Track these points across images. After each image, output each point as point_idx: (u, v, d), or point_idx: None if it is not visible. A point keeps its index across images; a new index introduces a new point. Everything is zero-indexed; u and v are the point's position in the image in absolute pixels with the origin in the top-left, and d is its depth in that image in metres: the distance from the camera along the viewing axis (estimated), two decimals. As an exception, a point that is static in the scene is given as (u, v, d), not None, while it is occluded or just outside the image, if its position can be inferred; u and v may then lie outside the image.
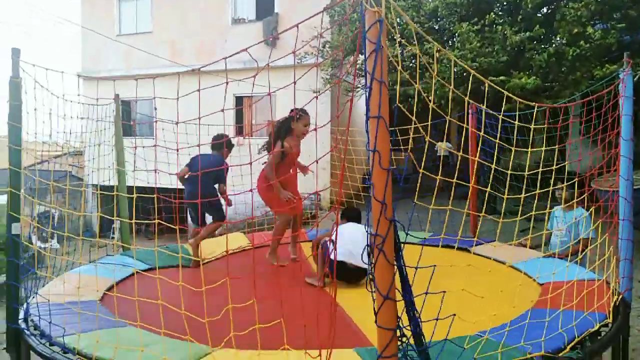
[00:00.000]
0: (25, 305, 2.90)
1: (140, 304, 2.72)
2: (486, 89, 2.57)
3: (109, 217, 3.02)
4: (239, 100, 13.72)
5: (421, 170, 2.02)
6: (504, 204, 2.58)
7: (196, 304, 2.34)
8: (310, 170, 4.67)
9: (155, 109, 3.01)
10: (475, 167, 5.12)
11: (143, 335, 2.32)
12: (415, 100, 2.62)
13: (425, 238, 4.61)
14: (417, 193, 2.05)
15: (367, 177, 1.85)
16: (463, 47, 7.61)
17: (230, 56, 2.29)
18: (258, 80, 2.36)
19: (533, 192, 2.83)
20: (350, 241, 3.72)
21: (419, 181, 2.26)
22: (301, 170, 4.86)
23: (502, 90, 2.52)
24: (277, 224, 4.76)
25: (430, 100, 2.16)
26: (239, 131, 13.44)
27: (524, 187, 2.95)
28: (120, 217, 5.02)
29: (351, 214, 4.33)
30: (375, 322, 1.85)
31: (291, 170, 4.74)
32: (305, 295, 3.54)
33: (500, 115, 2.63)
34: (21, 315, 2.83)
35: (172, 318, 2.34)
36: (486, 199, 3.08)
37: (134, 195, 2.48)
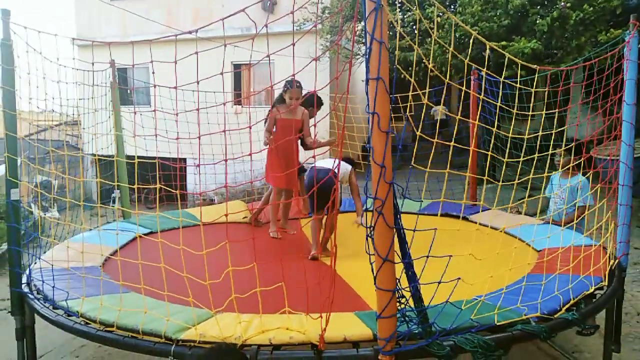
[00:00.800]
0: (28, 271, 2.94)
1: (142, 269, 2.75)
2: (487, 53, 2.53)
3: (110, 183, 3.01)
4: (237, 67, 13.51)
5: (419, 133, 1.99)
6: (503, 171, 2.56)
7: (197, 268, 2.36)
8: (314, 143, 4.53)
9: (153, 72, 2.94)
10: (474, 132, 5.09)
11: (146, 300, 2.35)
12: (414, 64, 2.56)
13: (422, 207, 4.64)
14: (414, 157, 2.03)
15: (367, 145, 1.83)
16: (464, 12, 7.43)
17: (228, 17, 2.23)
18: (256, 47, 2.30)
19: (531, 157, 2.82)
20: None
21: (415, 147, 2.24)
22: (307, 143, 4.71)
23: (505, 53, 2.47)
24: (267, 194, 4.79)
25: (430, 65, 2.12)
26: (237, 98, 13.31)
27: (522, 155, 2.93)
28: (120, 185, 5.02)
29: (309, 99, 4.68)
30: (375, 283, 1.88)
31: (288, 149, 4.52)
32: (306, 262, 3.58)
33: (501, 79, 2.59)
34: (24, 280, 2.86)
35: (174, 282, 2.37)
36: (487, 165, 3.07)
37: (135, 160, 2.46)
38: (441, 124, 12.24)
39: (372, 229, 1.85)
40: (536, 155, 2.73)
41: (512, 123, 2.70)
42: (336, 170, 4.13)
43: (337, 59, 12.05)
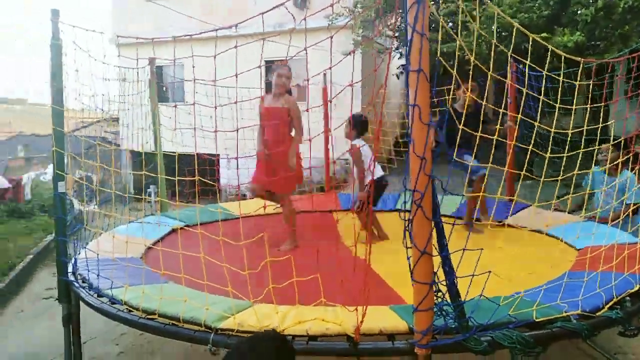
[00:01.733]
0: (73, 261, 3.06)
1: (181, 260, 2.83)
2: (530, 45, 2.46)
3: (152, 174, 3.10)
4: (268, 64, 13.58)
5: (461, 127, 1.97)
6: (545, 167, 2.50)
7: (235, 259, 2.41)
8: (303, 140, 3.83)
9: (193, 66, 3.01)
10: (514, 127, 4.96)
11: (186, 290, 2.42)
12: (456, 57, 2.52)
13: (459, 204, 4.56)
14: (455, 150, 2.01)
15: (406, 138, 1.81)
16: (502, 2, 7.23)
17: (266, 12, 2.25)
18: (288, 43, 2.31)
19: (575, 152, 2.73)
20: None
21: (457, 141, 2.21)
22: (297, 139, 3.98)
23: (548, 46, 2.40)
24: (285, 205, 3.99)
25: (473, 57, 2.09)
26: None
27: (566, 150, 2.84)
28: (158, 181, 5.16)
29: (358, 121, 4.22)
30: (411, 276, 1.87)
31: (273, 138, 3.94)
32: (339, 254, 3.59)
33: (544, 72, 2.53)
34: (69, 269, 2.98)
35: (213, 273, 2.43)
36: (527, 159, 3.00)
37: (176, 154, 2.53)
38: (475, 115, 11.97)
39: (410, 221, 1.84)
40: (581, 150, 2.64)
41: (555, 117, 2.63)
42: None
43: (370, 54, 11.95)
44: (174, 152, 3.03)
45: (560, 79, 2.52)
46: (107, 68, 3.43)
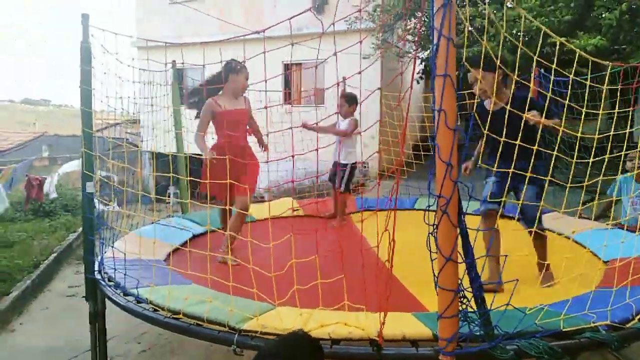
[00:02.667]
0: (99, 259, 3.12)
1: (205, 262, 2.84)
2: (552, 48, 2.43)
3: (176, 175, 3.15)
4: (286, 67, 13.67)
5: (486, 132, 1.96)
6: (572, 172, 2.45)
7: (257, 261, 2.42)
8: (266, 147, 3.70)
9: (225, 69, 3.06)
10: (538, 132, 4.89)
11: (210, 292, 2.45)
12: (481, 61, 2.50)
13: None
14: (480, 156, 1.99)
15: (419, 143, 1.81)
16: (520, 5, 7.12)
17: (294, 17, 2.27)
18: (307, 47, 2.33)
19: (600, 158, 2.68)
20: None
21: (482, 146, 2.19)
22: (258, 140, 3.91)
23: (576, 49, 2.37)
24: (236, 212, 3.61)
25: (498, 62, 2.08)
26: (288, 98, 13.49)
27: (592, 156, 2.79)
28: (180, 183, 5.23)
29: (354, 97, 5.08)
30: (436, 283, 1.86)
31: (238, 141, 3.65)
32: (361, 258, 3.58)
33: (571, 76, 2.49)
34: (95, 268, 3.04)
35: (236, 274, 2.46)
36: (551, 167, 2.95)
37: (211, 158, 2.56)
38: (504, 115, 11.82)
39: (435, 227, 1.83)
40: (607, 156, 2.60)
41: (582, 122, 2.58)
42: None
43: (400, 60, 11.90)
44: (197, 155, 3.09)
45: (588, 83, 2.47)
46: (132, 71, 3.51)
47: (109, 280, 2.83)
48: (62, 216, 9.96)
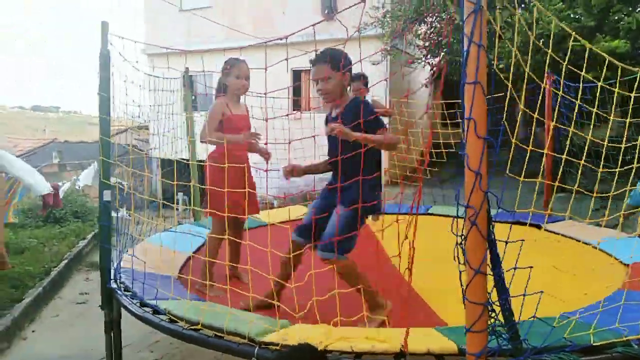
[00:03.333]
0: (114, 268, 3.10)
1: (219, 272, 2.81)
2: (587, 54, 2.39)
3: (181, 183, 3.12)
4: (296, 73, 13.70)
5: (515, 142, 1.91)
6: (598, 181, 2.40)
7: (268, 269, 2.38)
8: (269, 156, 3.21)
9: (246, 77, 2.98)
10: (550, 136, 4.84)
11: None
12: (512, 66, 2.45)
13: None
14: (508, 165, 1.95)
15: (460, 151, 1.76)
16: (544, 8, 7.04)
17: (317, 23, 2.25)
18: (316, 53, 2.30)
19: (627, 167, 2.62)
20: None
21: (512, 153, 2.13)
22: (260, 152, 3.29)
23: (603, 54, 2.32)
24: (210, 235, 3.31)
25: (527, 70, 2.03)
26: (295, 105, 13.49)
27: (602, 161, 2.73)
28: (189, 189, 5.21)
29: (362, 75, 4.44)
30: (464, 296, 1.81)
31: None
32: (379, 269, 3.53)
33: (599, 83, 2.44)
34: (113, 275, 3.01)
35: (256, 285, 2.42)
36: (560, 172, 2.90)
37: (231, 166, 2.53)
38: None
39: (463, 238, 1.78)
40: (619, 163, 2.54)
41: (609, 126, 2.53)
42: None
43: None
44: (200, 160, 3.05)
45: (616, 89, 2.42)
46: (144, 77, 3.51)
47: (126, 290, 2.80)
48: (72, 223, 10.00)
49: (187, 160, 5.36)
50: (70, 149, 19.53)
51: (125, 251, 3.40)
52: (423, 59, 11.34)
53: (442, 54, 11.35)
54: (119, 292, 2.79)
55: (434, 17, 10.01)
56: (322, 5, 13.52)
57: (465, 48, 1.72)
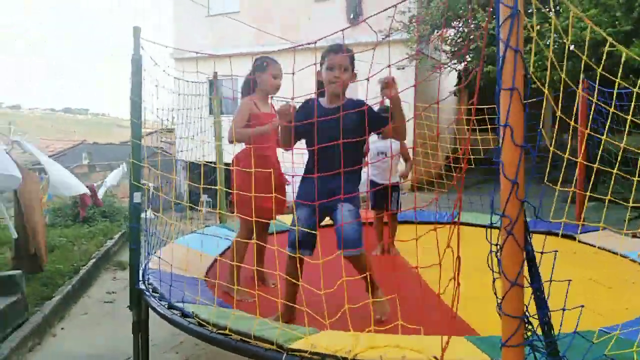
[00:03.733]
0: (143, 269, 3.14)
1: (247, 276, 2.80)
2: (622, 59, 2.31)
3: (206, 187, 3.13)
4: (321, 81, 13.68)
5: (552, 148, 1.85)
6: (635, 191, 2.31)
7: (305, 277, 2.37)
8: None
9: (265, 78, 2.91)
10: (583, 143, 4.69)
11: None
12: (549, 75, 2.39)
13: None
14: (546, 174, 1.89)
15: (494, 158, 1.71)
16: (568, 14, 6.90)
17: (348, 28, 2.23)
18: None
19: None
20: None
21: (550, 160, 2.07)
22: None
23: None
24: (236, 238, 3.22)
25: (562, 74, 1.97)
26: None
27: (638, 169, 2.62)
28: (217, 192, 5.25)
29: None
30: (499, 308, 1.76)
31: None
32: (404, 276, 3.47)
33: (636, 89, 2.35)
34: (141, 277, 3.05)
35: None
36: (592, 180, 2.79)
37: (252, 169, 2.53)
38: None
39: (499, 248, 1.73)
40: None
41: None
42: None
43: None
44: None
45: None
46: (173, 81, 3.56)
47: (154, 292, 2.83)
48: (100, 222, 10.22)
49: (214, 163, 5.42)
50: (98, 150, 20.04)
51: (153, 252, 3.44)
52: (450, 63, 11.22)
53: (469, 59, 11.23)
54: (147, 293, 2.82)
55: (461, 22, 9.90)
56: (348, 11, 13.53)
57: (501, 54, 1.68)
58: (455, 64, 11.39)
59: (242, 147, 3.28)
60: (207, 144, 5.31)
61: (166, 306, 2.63)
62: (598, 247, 3.28)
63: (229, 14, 15.56)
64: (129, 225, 2.94)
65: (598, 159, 2.99)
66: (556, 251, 1.82)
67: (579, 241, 3.86)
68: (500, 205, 1.73)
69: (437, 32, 10.40)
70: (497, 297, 1.82)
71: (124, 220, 10.34)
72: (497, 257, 1.77)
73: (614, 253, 3.30)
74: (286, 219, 5.08)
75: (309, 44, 2.40)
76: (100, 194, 10.08)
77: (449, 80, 13.73)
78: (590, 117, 4.39)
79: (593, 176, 2.54)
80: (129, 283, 3.01)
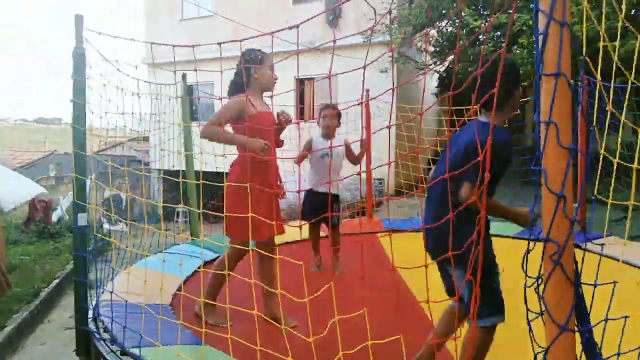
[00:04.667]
0: (95, 302, 2.64)
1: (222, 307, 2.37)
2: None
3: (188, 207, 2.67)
4: (300, 82, 13.33)
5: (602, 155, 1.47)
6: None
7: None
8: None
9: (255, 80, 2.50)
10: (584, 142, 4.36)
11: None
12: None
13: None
14: (596, 186, 1.50)
15: (531, 166, 1.32)
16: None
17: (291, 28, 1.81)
18: (320, 61, 1.93)
19: None
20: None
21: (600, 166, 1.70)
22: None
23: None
24: (225, 255, 2.75)
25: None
26: (301, 113, 13.14)
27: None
28: (188, 203, 4.79)
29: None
30: (544, 359, 1.35)
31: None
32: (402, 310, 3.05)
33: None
34: (91, 314, 2.55)
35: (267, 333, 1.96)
36: (598, 182, 2.44)
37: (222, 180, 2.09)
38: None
39: (541, 282, 1.33)
40: None
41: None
42: None
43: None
44: (206, 172, 2.64)
45: None
46: (137, 84, 3.14)
47: (105, 332, 2.33)
48: (67, 238, 9.56)
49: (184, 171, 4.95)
50: (69, 161, 19.16)
51: (111, 279, 2.95)
52: (433, 65, 10.96)
53: (450, 58, 10.97)
54: (96, 335, 2.31)
55: (446, 23, 9.63)
56: (326, 13, 13.18)
57: (542, 29, 1.29)
58: (438, 64, 11.13)
59: (239, 155, 2.79)
60: (181, 153, 4.86)
61: (119, 353, 2.14)
62: (622, 261, 2.91)
63: (203, 17, 15.06)
64: (73, 254, 2.43)
65: (601, 159, 2.65)
66: (615, 282, 1.44)
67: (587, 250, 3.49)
68: (543, 226, 1.33)
69: (420, 34, 10.12)
70: (533, 343, 1.42)
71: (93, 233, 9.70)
72: (536, 292, 1.37)
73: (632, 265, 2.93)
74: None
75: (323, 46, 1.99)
76: (55, 217, 9.41)
77: (431, 83, 13.48)
78: (595, 114, 4.07)
79: (598, 176, 2.17)
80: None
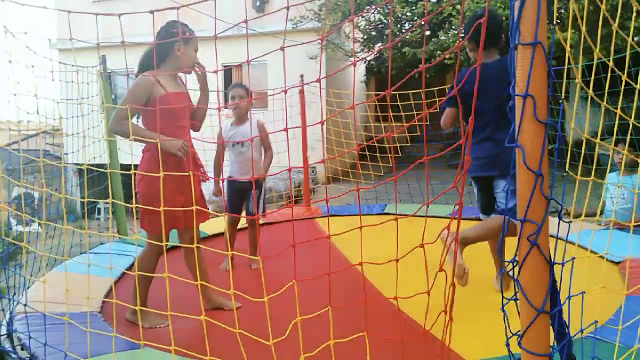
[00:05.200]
0: (8, 316, 2.28)
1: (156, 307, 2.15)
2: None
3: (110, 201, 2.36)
4: (227, 70, 12.88)
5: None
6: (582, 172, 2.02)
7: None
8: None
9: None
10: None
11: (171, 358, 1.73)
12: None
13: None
14: (568, 159, 1.47)
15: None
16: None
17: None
18: (250, 48, 1.83)
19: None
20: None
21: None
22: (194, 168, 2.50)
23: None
24: (143, 252, 2.58)
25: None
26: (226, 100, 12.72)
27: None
28: (114, 198, 4.38)
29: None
30: (519, 343, 1.31)
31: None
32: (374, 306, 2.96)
33: None
34: (4, 330, 2.19)
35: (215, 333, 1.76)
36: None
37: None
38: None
39: (516, 265, 1.27)
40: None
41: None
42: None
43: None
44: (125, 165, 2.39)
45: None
46: (53, 71, 2.84)
47: (22, 349, 2.01)
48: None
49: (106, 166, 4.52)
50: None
51: (27, 287, 2.58)
52: (359, 52, 11.06)
53: (379, 45, 11.13)
54: (12, 354, 1.98)
55: (374, 10, 9.72)
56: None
57: (517, -5, 1.21)
58: (365, 51, 11.25)
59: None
60: (100, 143, 4.42)
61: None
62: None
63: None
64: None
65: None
66: (573, 258, 1.42)
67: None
68: (518, 205, 1.28)
69: (347, 20, 10.14)
70: (507, 329, 1.38)
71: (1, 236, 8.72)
72: (510, 276, 1.32)
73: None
74: (209, 228, 4.29)
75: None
76: None
77: (359, 71, 13.62)
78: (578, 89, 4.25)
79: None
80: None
